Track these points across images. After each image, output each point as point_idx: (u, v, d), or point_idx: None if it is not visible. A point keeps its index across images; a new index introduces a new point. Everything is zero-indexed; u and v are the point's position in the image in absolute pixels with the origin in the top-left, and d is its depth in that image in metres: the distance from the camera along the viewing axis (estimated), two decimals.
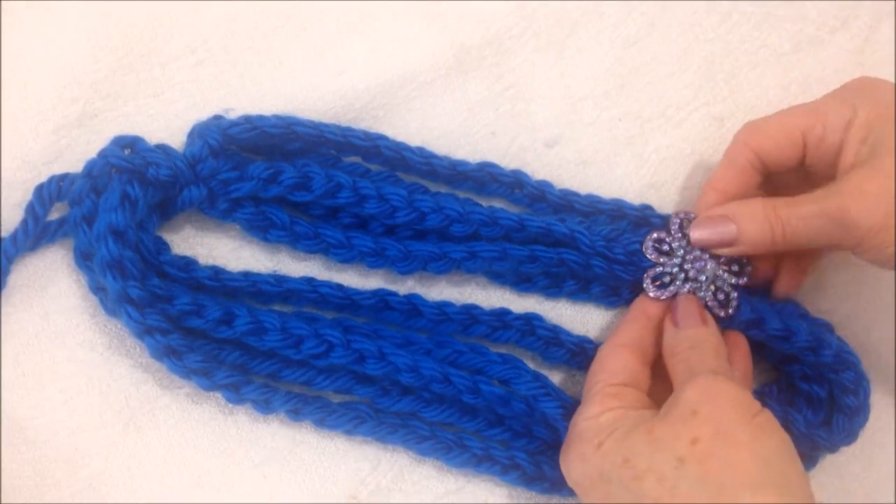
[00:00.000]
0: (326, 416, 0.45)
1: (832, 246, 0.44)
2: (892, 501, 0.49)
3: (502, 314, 0.48)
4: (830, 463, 0.49)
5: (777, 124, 0.46)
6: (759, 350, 0.48)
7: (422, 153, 0.48)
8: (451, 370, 0.45)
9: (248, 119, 0.45)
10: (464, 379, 0.44)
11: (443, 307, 0.47)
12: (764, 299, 0.48)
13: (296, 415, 0.45)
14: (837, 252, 0.51)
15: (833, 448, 0.48)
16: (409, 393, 0.45)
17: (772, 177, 0.48)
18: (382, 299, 0.46)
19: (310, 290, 0.46)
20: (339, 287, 0.46)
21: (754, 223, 0.44)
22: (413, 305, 0.47)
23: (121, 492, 0.45)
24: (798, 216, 0.43)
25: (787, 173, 0.47)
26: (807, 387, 0.48)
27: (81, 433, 0.45)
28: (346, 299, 0.46)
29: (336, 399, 0.46)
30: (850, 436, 0.47)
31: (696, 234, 0.46)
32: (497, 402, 0.45)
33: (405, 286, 0.48)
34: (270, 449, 0.46)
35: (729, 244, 0.45)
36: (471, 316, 0.47)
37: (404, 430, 0.45)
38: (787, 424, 0.45)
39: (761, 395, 0.49)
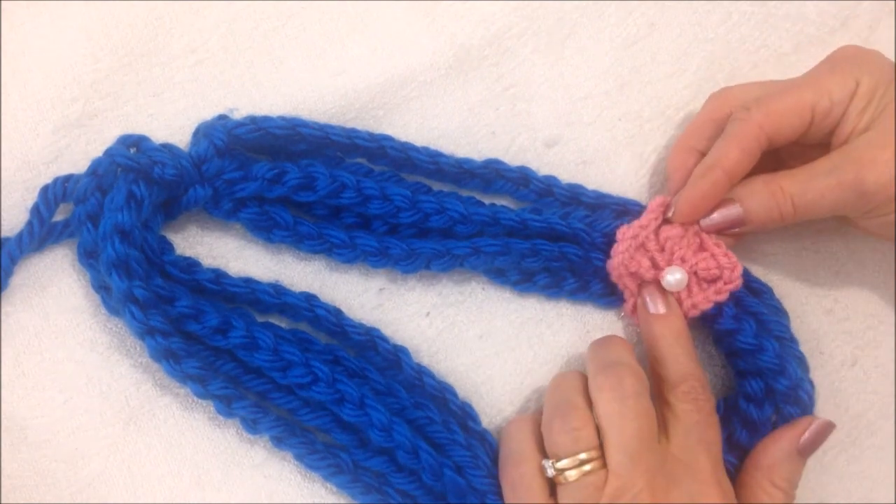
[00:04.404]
0: (307, 454, 0.44)
1: (840, 214, 0.45)
2: (893, 502, 0.49)
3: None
4: (830, 463, 0.49)
5: (790, 103, 0.45)
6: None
7: (428, 153, 0.48)
8: (422, 444, 0.43)
9: (253, 120, 0.45)
10: (430, 457, 0.43)
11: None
12: (751, 307, 0.47)
13: (278, 442, 0.44)
14: (838, 253, 0.51)
15: None
16: (383, 453, 0.44)
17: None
18: (371, 339, 0.46)
19: (307, 309, 0.46)
20: (336, 313, 0.46)
21: (759, 201, 0.45)
22: (396, 353, 0.46)
23: (121, 492, 0.45)
24: (813, 190, 0.43)
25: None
26: (745, 406, 0.46)
27: (81, 433, 0.45)
28: (338, 327, 0.46)
29: (322, 437, 0.45)
30: None
31: (705, 219, 0.46)
32: (454, 491, 0.43)
33: (407, 284, 0.48)
34: (270, 449, 0.46)
35: (738, 224, 0.45)
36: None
37: (378, 496, 0.44)
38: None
39: None
